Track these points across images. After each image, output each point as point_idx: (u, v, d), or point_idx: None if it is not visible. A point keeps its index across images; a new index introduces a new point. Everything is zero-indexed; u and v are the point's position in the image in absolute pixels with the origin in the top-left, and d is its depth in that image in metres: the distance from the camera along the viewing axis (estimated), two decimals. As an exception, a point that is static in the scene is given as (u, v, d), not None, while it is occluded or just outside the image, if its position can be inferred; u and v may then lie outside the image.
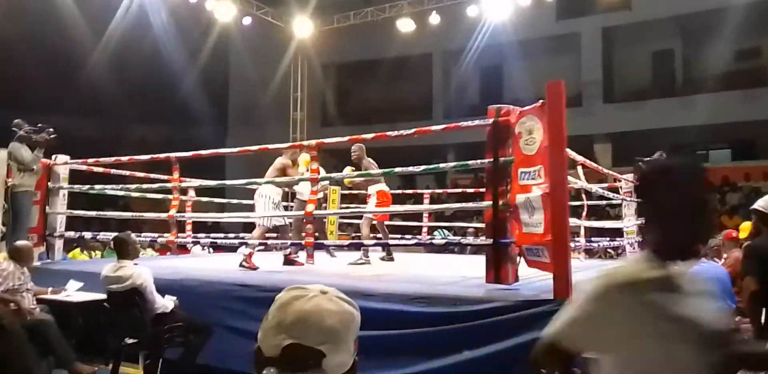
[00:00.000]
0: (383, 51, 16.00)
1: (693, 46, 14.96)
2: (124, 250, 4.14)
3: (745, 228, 6.47)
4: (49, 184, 6.23)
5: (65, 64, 14.36)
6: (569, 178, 3.97)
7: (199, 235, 7.26)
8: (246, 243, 5.63)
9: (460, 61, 16.21)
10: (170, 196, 6.03)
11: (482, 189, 10.08)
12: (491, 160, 3.89)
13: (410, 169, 4.54)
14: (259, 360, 0.98)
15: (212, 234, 8.01)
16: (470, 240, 6.31)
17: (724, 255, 5.49)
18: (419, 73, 17.60)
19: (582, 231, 6.14)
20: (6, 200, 5.87)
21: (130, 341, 4.05)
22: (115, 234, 4.51)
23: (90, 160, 6.40)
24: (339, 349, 0.98)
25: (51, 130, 5.91)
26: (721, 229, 6.98)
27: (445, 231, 9.37)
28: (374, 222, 6.21)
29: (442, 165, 4.59)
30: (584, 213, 5.84)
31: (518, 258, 3.91)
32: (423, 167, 4.51)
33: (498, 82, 16.95)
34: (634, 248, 7.23)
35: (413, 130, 4.51)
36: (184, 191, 6.59)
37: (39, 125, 5.93)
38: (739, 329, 3.74)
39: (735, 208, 11.98)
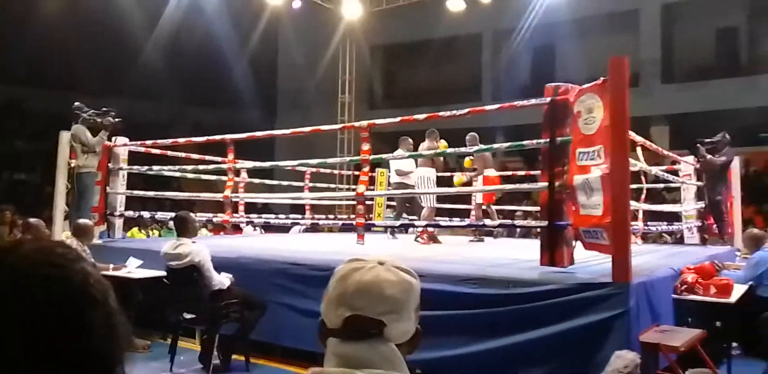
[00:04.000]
0: (432, 32, 15.76)
1: (759, 22, 14.14)
2: (184, 228, 4.25)
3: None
4: (109, 164, 6.45)
5: (122, 49, 14.74)
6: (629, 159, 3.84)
7: (252, 216, 7.40)
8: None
9: (511, 41, 15.80)
10: (222, 178, 6.16)
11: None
12: (548, 140, 3.79)
13: (463, 149, 4.48)
14: (323, 332, 1.00)
15: (264, 215, 8.16)
16: (525, 222, 6.22)
17: None
18: (468, 54, 17.28)
19: (640, 215, 5.96)
20: (69, 180, 6.12)
21: (188, 316, 4.17)
22: (175, 213, 4.63)
23: (148, 142, 6.58)
24: (401, 318, 0.99)
25: (114, 113, 6.09)
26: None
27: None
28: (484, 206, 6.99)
29: (495, 145, 4.50)
30: (643, 196, 5.66)
31: (573, 241, 3.83)
32: (476, 148, 4.44)
33: (550, 62, 16.45)
34: (692, 232, 6.98)
35: (467, 110, 4.44)
36: (237, 172, 6.72)
37: (104, 109, 6.12)
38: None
39: (802, 193, 11.39)
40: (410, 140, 6.84)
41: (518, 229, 8.67)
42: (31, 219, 4.95)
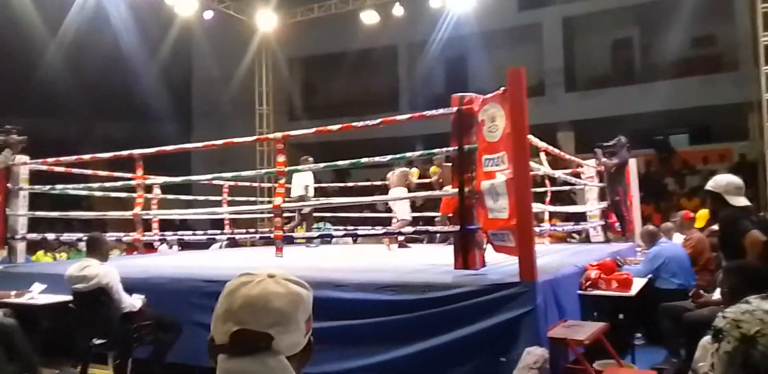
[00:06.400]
0: (348, 43, 15.95)
1: (651, 34, 15.28)
2: (96, 248, 4.06)
3: (702, 216, 6.70)
4: (8, 185, 6.06)
5: (20, 61, 13.91)
6: (532, 164, 4.05)
7: (166, 233, 7.15)
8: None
9: (425, 53, 16.26)
10: (135, 195, 5.93)
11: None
12: (456, 147, 3.93)
13: (376, 158, 4.56)
14: (212, 349, 0.99)
15: (179, 232, 7.91)
16: (439, 228, 6.39)
17: (676, 235, 5.67)
18: (385, 66, 17.60)
19: (546, 217, 6.26)
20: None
21: (98, 341, 3.97)
22: (84, 234, 4.42)
23: (50, 160, 6.24)
24: (289, 330, 0.98)
25: (16, 130, 5.78)
26: (678, 210, 7.21)
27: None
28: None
29: (408, 154, 4.61)
30: (548, 199, 5.96)
31: (485, 243, 3.98)
32: (390, 157, 4.53)
33: (462, 72, 17.05)
34: (597, 231, 7.41)
35: (379, 120, 4.53)
36: (149, 189, 6.48)
37: (7, 127, 5.79)
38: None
39: (694, 190, 12.37)
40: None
41: (438, 235, 8.85)
42: None
